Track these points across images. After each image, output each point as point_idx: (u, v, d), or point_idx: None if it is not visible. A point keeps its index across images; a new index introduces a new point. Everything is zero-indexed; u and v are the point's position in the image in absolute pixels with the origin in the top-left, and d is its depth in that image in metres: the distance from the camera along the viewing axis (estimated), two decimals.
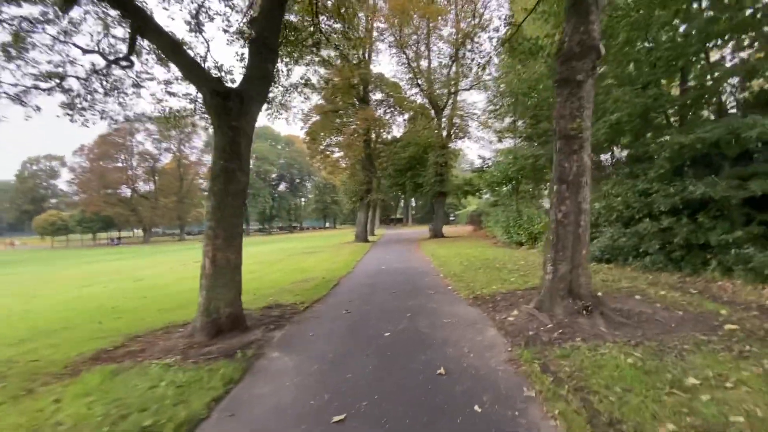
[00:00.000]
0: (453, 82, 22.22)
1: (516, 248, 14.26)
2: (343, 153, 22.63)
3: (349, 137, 20.91)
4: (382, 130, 24.59)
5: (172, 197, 63.69)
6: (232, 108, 4.98)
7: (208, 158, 70.20)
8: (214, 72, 7.39)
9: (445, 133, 23.49)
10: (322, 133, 23.69)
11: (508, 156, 14.35)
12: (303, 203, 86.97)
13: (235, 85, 5.51)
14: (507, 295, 6.19)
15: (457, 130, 23.07)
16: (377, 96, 26.39)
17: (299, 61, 9.47)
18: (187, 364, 4.11)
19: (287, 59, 9.56)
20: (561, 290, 5.10)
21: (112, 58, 7.41)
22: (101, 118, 9.43)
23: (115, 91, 9.26)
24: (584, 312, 4.84)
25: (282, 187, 79.57)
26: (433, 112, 24.89)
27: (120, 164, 60.64)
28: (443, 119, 23.05)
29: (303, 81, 10.29)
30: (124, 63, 7.49)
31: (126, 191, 61.43)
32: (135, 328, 6.11)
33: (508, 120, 18.61)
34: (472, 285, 7.30)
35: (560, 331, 4.44)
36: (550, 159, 12.21)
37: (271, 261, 16.39)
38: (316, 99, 23.23)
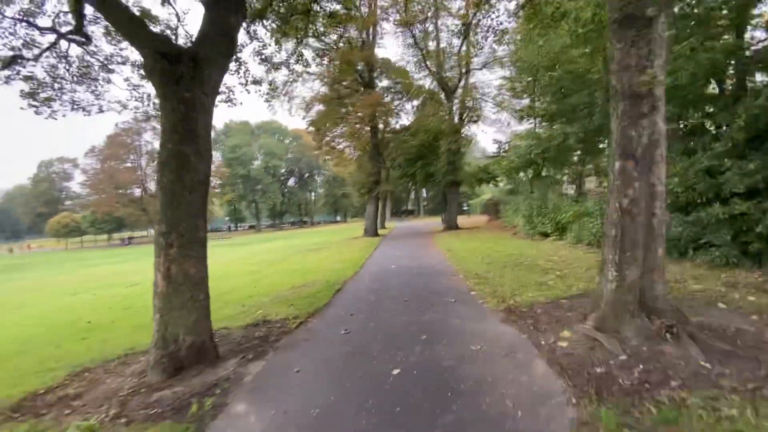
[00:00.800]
0: (464, 62, 20.61)
1: (540, 240, 12.85)
2: (349, 143, 21.29)
3: (354, 126, 19.57)
4: (389, 118, 23.14)
5: None
6: (183, 74, 3.75)
7: (216, 155, 69.96)
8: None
9: (457, 118, 21.94)
10: (327, 124, 22.45)
11: (529, 138, 12.82)
12: (313, 198, 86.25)
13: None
14: (549, 306, 4.89)
15: (470, 113, 21.47)
16: (384, 83, 24.94)
17: (288, 33, 8.16)
18: (119, 427, 2.96)
19: (277, 33, 8.29)
20: (630, 303, 3.77)
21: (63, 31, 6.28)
22: (72, 109, 8.40)
23: (86, 78, 8.20)
24: (667, 334, 3.51)
25: (291, 182, 78.84)
26: (443, 95, 23.33)
27: (129, 164, 60.57)
28: (455, 102, 21.48)
29: (295, 55, 8.94)
30: (76, 37, 6.35)
31: (137, 191, 61.55)
32: (94, 353, 5.05)
33: (526, 99, 17.02)
34: (501, 290, 6.00)
35: (641, 366, 3.14)
36: (580, 138, 10.75)
37: (274, 260, 15.33)
38: (318, 86, 21.98)
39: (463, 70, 20.98)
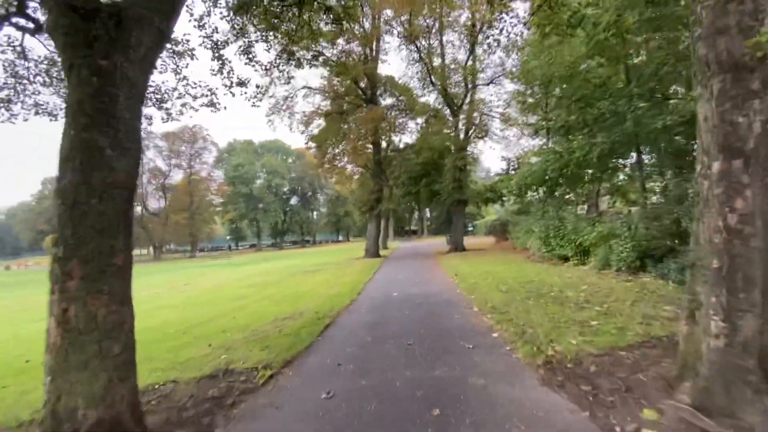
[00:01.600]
0: (470, 77, 19.84)
1: (559, 264, 11.54)
2: (351, 160, 20.32)
3: (355, 142, 18.64)
4: (392, 135, 22.30)
5: (183, 214, 62.82)
6: (99, 34, 2.66)
7: (218, 174, 69.68)
8: None
9: (462, 134, 21.01)
10: (328, 140, 21.60)
11: (546, 154, 11.71)
12: (315, 217, 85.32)
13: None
14: (606, 361, 3.59)
15: (477, 130, 20.53)
16: (387, 101, 24.19)
17: (278, 28, 7.20)
18: None
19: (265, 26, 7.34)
20: (749, 370, 2.51)
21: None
22: (36, 113, 7.44)
23: (49, 77, 7.26)
24: None
25: (294, 200, 78.15)
26: (448, 112, 22.53)
27: None
28: (461, 119, 20.59)
29: (285, 54, 7.98)
30: (22, 21, 5.38)
31: (137, 209, 60.93)
32: None
33: (534, 116, 16.06)
34: (532, 332, 4.72)
35: None
36: (605, 151, 9.61)
37: (266, 283, 14.07)
38: (319, 101, 21.24)
39: (469, 86, 20.19)
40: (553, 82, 12.31)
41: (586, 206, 19.08)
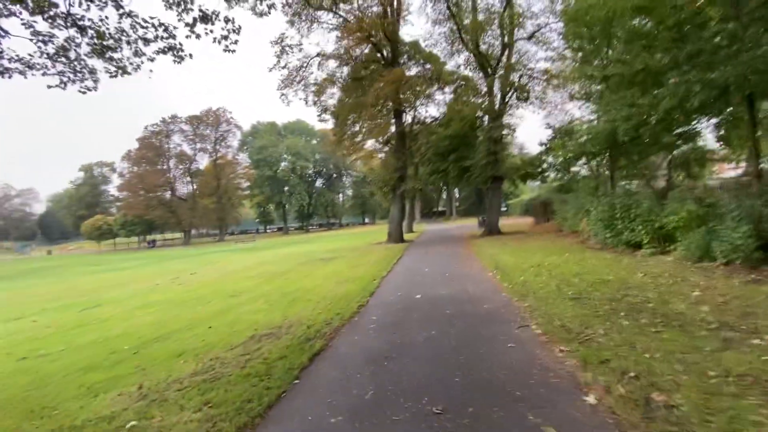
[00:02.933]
0: (508, 27, 16.84)
1: (630, 253, 9.03)
2: (369, 132, 18.00)
3: (373, 109, 16.29)
4: (416, 102, 19.76)
5: (210, 198, 63.12)
6: None
7: (243, 157, 69.21)
8: None
9: (498, 100, 18.17)
10: (345, 113, 19.40)
11: (618, 107, 8.94)
12: (341, 199, 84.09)
13: None
14: None
15: (517, 92, 17.55)
16: (412, 71, 21.44)
17: None
18: None
19: None
20: None
21: None
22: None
23: None
24: None
25: (319, 183, 77.04)
26: (481, 76, 19.65)
27: (159, 167, 60.74)
28: (497, 79, 17.70)
29: None
30: None
31: (166, 194, 61.62)
32: None
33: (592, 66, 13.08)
34: (664, 401, 2.51)
35: None
36: (710, 97, 6.88)
37: (274, 273, 12.40)
38: (333, 66, 18.96)
39: (506, 39, 17.16)
40: (621, 16, 9.43)
41: (635, 183, 16.14)
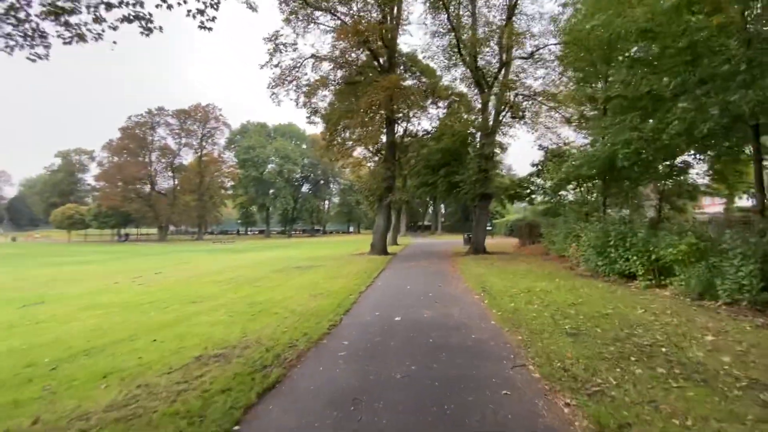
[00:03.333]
0: (506, 48, 16.64)
1: (623, 283, 8.57)
2: (359, 137, 17.34)
3: (364, 115, 15.70)
4: (409, 111, 19.33)
5: (192, 195, 61.25)
6: None
7: (229, 156, 67.64)
8: None
9: (492, 117, 17.86)
10: (336, 119, 18.80)
11: (619, 131, 8.55)
12: (327, 206, 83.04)
13: None
14: None
15: (514, 108, 17.24)
16: (408, 82, 21.06)
17: None
18: None
19: None
20: None
21: None
22: None
23: None
24: None
25: (305, 188, 75.90)
26: (476, 93, 19.42)
27: (140, 159, 58.69)
28: (493, 94, 17.41)
29: None
30: None
31: (146, 187, 59.46)
32: None
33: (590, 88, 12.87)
34: None
35: None
36: (721, 124, 6.51)
37: (244, 279, 11.48)
38: (327, 68, 18.39)
39: (504, 57, 16.95)
40: (625, 39, 9.15)
41: (624, 211, 16.02)
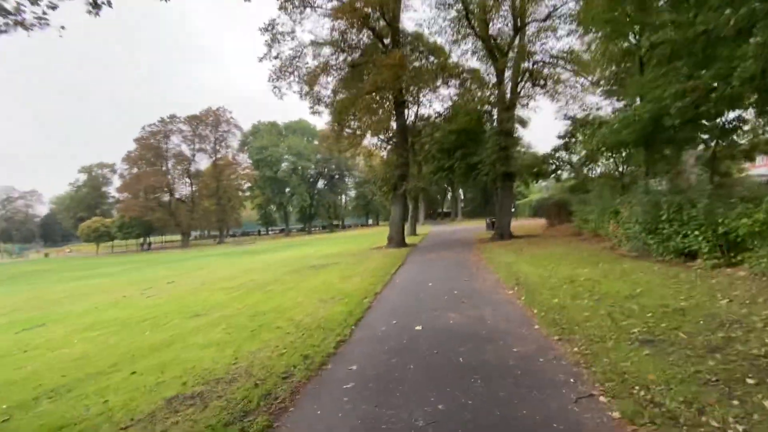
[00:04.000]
0: (519, 11, 15.10)
1: (682, 264, 7.28)
2: (367, 124, 16.23)
3: (371, 99, 14.58)
4: (419, 91, 18.07)
5: (210, 199, 61.86)
6: None
7: (243, 158, 67.78)
8: None
9: (509, 89, 16.41)
10: (343, 109, 17.77)
11: (665, 83, 7.18)
12: (344, 200, 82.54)
13: None
14: None
15: (533, 77, 15.73)
16: (415, 63, 19.70)
17: None
18: None
19: None
20: None
21: None
22: None
23: None
24: None
25: (320, 184, 75.45)
26: (490, 64, 17.96)
27: (158, 168, 59.46)
28: (508, 68, 15.96)
29: None
30: None
31: (165, 196, 60.35)
32: None
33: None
34: None
35: None
36: None
37: (255, 285, 10.76)
38: (328, 54, 17.31)
39: (518, 22, 15.40)
40: None
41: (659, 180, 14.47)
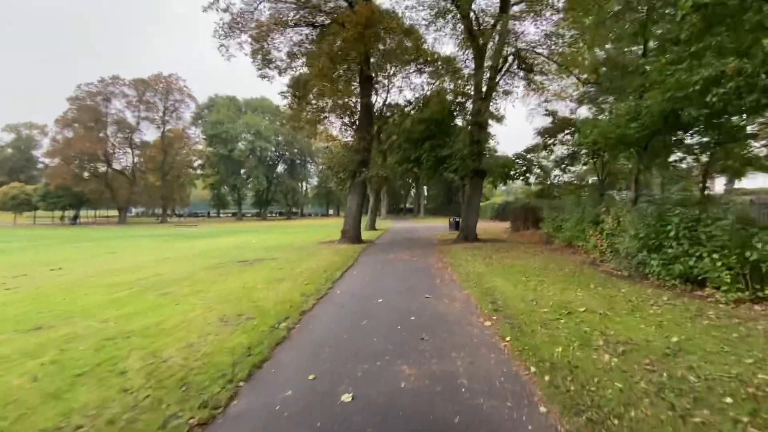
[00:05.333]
0: None
1: (689, 292, 5.83)
2: (321, 90, 13.73)
3: (332, 65, 12.23)
4: (391, 70, 15.95)
5: (155, 174, 56.17)
6: None
7: (196, 132, 62.35)
8: None
9: (488, 77, 14.73)
10: (305, 84, 15.28)
11: (694, 66, 5.64)
12: (305, 188, 78.96)
13: None
14: None
15: (518, 61, 14.10)
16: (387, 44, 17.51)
17: None
18: None
19: None
20: None
21: None
22: None
23: None
24: None
25: (280, 168, 71.35)
26: (466, 52, 16.30)
27: (95, 134, 52.77)
28: (488, 51, 14.25)
29: None
30: None
31: (103, 166, 53.82)
32: None
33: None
34: None
35: None
36: None
37: (163, 281, 8.20)
38: (285, 12, 14.65)
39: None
40: None
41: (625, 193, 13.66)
